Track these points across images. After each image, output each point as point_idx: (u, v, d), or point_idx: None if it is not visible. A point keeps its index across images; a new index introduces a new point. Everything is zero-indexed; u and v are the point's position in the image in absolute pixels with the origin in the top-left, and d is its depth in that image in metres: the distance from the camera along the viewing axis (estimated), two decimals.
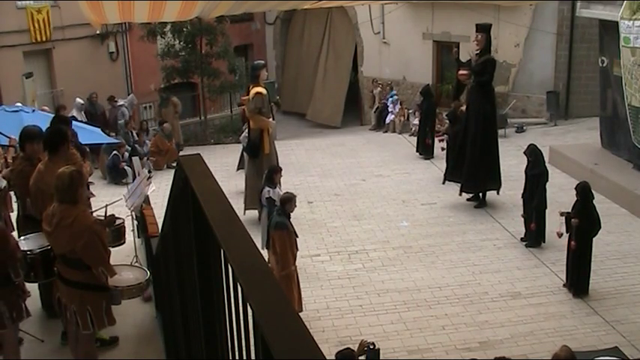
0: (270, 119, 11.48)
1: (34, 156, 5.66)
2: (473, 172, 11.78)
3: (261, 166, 11.21)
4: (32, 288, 5.88)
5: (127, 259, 6.89)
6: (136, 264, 6.69)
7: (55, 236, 4.68)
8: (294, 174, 14.19)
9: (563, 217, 8.96)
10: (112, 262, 4.90)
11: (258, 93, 11.14)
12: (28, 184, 5.40)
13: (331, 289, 9.43)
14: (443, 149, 13.38)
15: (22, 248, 5.16)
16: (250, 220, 11.01)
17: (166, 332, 5.24)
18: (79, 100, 16.15)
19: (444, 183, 12.72)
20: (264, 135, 11.30)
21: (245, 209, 11.37)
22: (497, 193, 12.08)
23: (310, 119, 22.00)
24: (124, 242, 6.38)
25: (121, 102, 17.46)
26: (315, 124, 21.72)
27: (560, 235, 9.11)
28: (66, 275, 4.74)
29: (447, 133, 13.90)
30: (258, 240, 9.23)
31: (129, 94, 18.15)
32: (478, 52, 11.59)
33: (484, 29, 11.63)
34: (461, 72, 11.84)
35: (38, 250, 5.07)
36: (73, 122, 8.37)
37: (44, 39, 18.11)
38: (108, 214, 5.61)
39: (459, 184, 12.16)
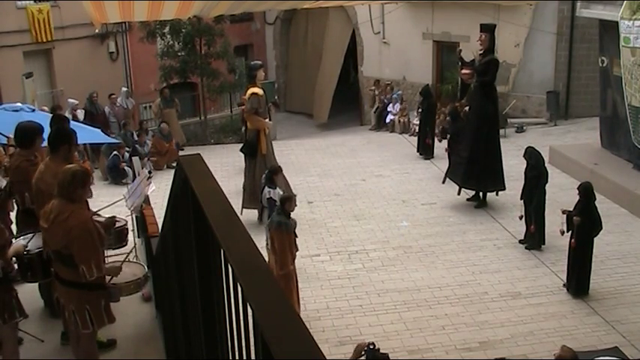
0: (267, 120, 11.47)
1: (35, 152, 5.66)
2: (472, 171, 11.75)
3: (259, 166, 11.20)
4: (33, 288, 5.89)
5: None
6: (133, 259, 6.67)
7: (51, 232, 4.66)
8: (294, 174, 14.17)
9: (565, 215, 8.97)
10: (110, 260, 4.89)
11: (253, 94, 11.14)
12: (26, 179, 5.40)
13: (331, 289, 9.43)
14: (446, 150, 13.31)
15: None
16: (250, 220, 11.01)
17: (166, 332, 5.23)
18: (71, 100, 16.07)
19: (443, 182, 12.71)
20: (261, 135, 11.31)
21: (242, 208, 11.35)
22: (497, 195, 12.08)
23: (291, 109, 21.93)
24: (127, 244, 6.37)
25: (118, 102, 17.41)
26: (316, 124, 21.70)
27: (562, 232, 9.11)
28: (63, 275, 4.72)
29: (447, 131, 13.81)
30: (258, 240, 9.21)
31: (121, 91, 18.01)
32: (482, 52, 11.62)
33: (488, 29, 11.64)
34: (463, 71, 11.84)
35: (36, 250, 5.06)
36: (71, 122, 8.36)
37: (44, 39, 18.10)
38: (108, 216, 5.59)
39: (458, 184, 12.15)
